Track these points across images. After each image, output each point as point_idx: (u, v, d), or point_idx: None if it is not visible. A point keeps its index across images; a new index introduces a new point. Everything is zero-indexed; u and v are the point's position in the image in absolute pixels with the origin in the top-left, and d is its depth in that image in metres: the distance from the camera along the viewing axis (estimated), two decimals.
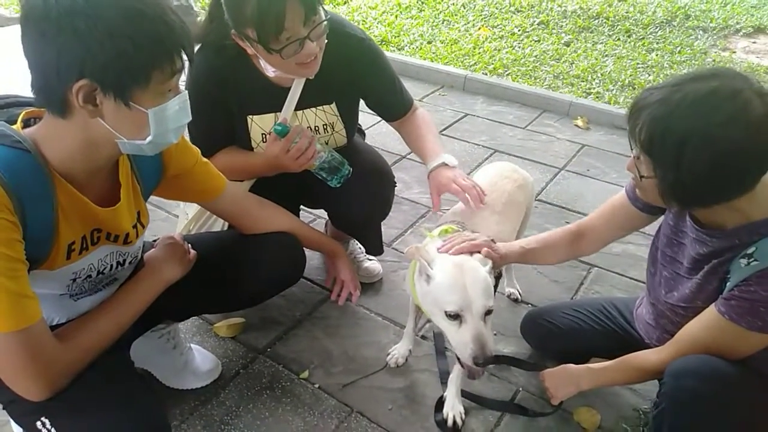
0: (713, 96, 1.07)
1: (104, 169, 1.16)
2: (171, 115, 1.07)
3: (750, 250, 1.16)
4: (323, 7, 1.49)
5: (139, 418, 1.10)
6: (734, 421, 1.19)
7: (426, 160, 1.75)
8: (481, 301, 1.27)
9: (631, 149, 1.21)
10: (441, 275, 1.31)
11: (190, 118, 1.14)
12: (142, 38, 0.96)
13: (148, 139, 1.06)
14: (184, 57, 1.06)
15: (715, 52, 4.39)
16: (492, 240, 1.47)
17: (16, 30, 3.40)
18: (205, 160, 1.46)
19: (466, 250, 1.39)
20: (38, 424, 1.09)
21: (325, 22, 1.48)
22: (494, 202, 1.67)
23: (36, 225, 1.03)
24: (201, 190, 1.46)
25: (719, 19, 4.86)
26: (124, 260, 1.29)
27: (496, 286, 1.59)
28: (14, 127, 1.06)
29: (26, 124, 1.09)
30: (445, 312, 1.28)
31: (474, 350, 1.25)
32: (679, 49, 4.36)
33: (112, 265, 1.26)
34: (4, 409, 1.25)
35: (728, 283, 1.20)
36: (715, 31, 4.71)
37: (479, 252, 1.40)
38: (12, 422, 1.45)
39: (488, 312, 1.29)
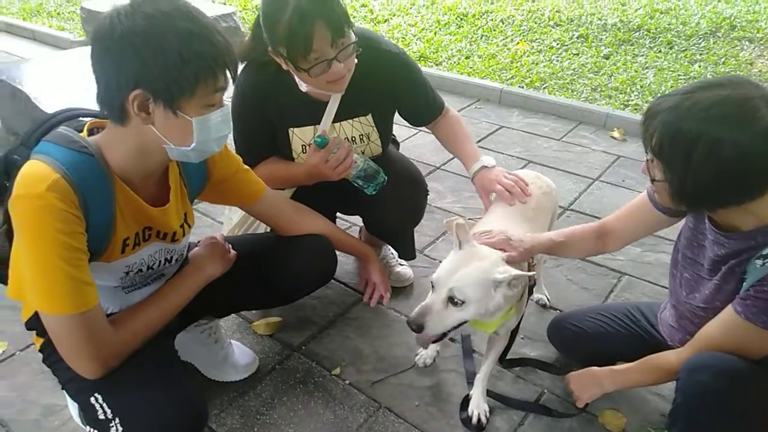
0: (723, 104, 1.11)
1: (156, 173, 1.30)
2: (213, 126, 1.19)
3: (766, 251, 1.18)
4: (353, 30, 1.60)
5: (183, 399, 1.21)
6: (746, 416, 1.21)
7: (466, 165, 1.88)
8: (449, 285, 1.34)
9: (646, 153, 1.25)
10: (454, 253, 1.42)
11: (231, 130, 1.26)
12: (190, 54, 1.09)
13: (192, 145, 1.19)
14: (228, 76, 1.18)
15: (762, 63, 4.30)
16: (509, 238, 1.52)
17: (78, 52, 3.68)
18: (245, 167, 1.58)
19: (487, 244, 1.48)
20: (92, 399, 1.21)
21: (353, 45, 1.58)
22: (524, 209, 1.72)
23: (97, 220, 1.16)
24: (242, 194, 1.58)
25: (767, 30, 4.75)
26: (172, 257, 1.42)
27: (530, 293, 1.65)
28: (81, 134, 1.20)
29: (90, 132, 1.24)
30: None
31: (412, 315, 1.36)
32: (723, 60, 4.29)
33: (160, 261, 1.38)
34: (63, 388, 1.38)
35: (744, 284, 1.22)
36: (762, 42, 4.60)
37: (503, 250, 1.46)
38: (69, 404, 1.59)
39: (452, 299, 1.34)
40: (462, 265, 1.37)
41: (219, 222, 2.49)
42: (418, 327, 1.36)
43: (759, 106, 1.08)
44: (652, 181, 1.25)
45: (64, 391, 1.39)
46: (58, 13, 5.95)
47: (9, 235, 1.23)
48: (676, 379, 1.28)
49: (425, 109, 1.95)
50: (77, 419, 1.55)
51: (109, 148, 1.19)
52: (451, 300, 1.35)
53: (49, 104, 2.94)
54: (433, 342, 1.45)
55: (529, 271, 1.58)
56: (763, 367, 1.22)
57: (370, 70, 1.71)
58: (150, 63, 1.07)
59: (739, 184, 1.14)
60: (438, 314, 1.35)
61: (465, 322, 1.40)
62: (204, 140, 1.19)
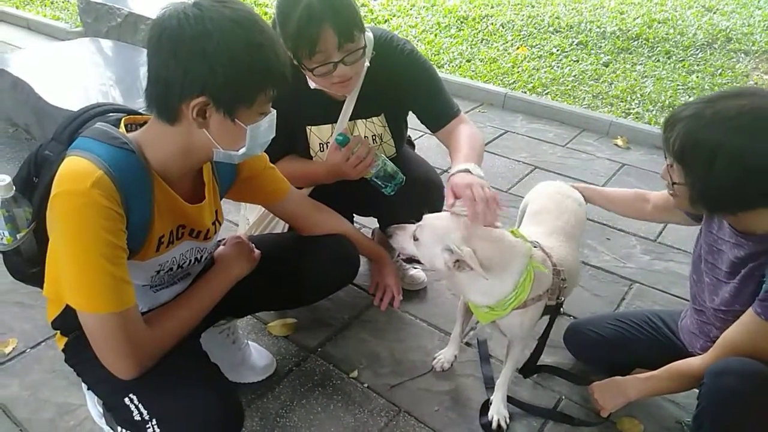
0: (744, 114, 1.16)
1: (194, 171, 1.29)
2: (261, 132, 1.20)
3: None
4: (364, 34, 1.58)
5: (220, 398, 1.19)
6: None
7: (453, 165, 1.66)
8: (420, 224, 1.52)
9: (665, 158, 1.30)
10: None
11: (275, 134, 1.26)
12: (257, 65, 1.09)
13: (241, 151, 1.19)
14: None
15: (758, 75, 4.38)
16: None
17: (77, 43, 3.59)
18: (271, 165, 1.57)
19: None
20: (126, 400, 1.18)
21: (362, 49, 1.57)
22: (565, 224, 1.72)
23: (137, 217, 1.15)
24: (268, 191, 1.57)
25: (762, 42, 4.84)
26: (201, 256, 1.40)
27: (557, 311, 1.63)
28: (119, 130, 1.18)
29: (127, 128, 1.22)
30: None
31: (393, 225, 1.60)
32: (720, 71, 4.36)
33: (191, 260, 1.36)
34: (89, 389, 1.36)
35: (764, 285, 1.26)
36: (757, 54, 4.69)
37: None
38: (89, 404, 1.57)
39: (414, 235, 1.52)
40: (444, 218, 1.48)
41: (231, 221, 2.46)
42: (389, 235, 1.59)
43: None
44: (672, 184, 1.29)
45: (89, 391, 1.37)
46: (52, 2, 5.84)
47: (37, 233, 1.21)
48: (701, 384, 1.31)
49: (439, 109, 1.85)
50: (98, 419, 1.53)
51: (150, 145, 1.17)
52: (414, 235, 1.51)
53: (52, 96, 2.88)
54: (406, 261, 1.63)
55: (558, 299, 1.57)
56: None
57: (382, 69, 1.71)
58: (218, 72, 1.06)
59: (757, 192, 1.19)
60: (403, 236, 1.56)
61: (417, 260, 1.55)
62: (252, 146, 1.20)
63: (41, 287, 1.29)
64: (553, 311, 1.61)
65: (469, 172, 1.56)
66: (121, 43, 3.75)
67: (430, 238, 1.46)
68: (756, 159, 1.15)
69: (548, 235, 1.65)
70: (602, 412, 1.54)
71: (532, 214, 1.78)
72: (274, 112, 1.22)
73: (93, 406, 1.53)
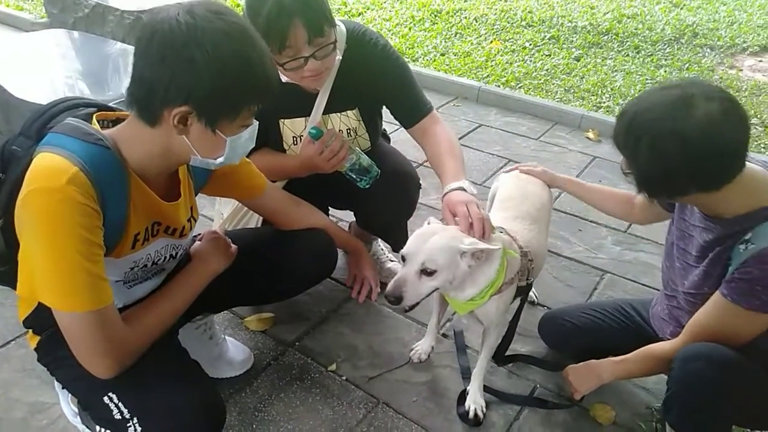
0: (666, 101, 1.21)
1: (170, 170, 1.27)
2: (241, 143, 1.20)
3: (748, 236, 1.28)
4: (335, 29, 1.58)
5: (203, 395, 1.19)
6: (737, 402, 1.29)
7: (444, 181, 1.69)
8: (421, 256, 1.40)
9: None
10: (418, 229, 1.49)
11: (254, 145, 1.26)
12: (245, 80, 1.09)
13: (219, 160, 1.19)
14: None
15: (722, 70, 4.49)
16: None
17: (42, 35, 3.46)
18: (247, 160, 1.56)
19: (529, 172, 1.84)
20: (105, 399, 1.17)
21: (333, 44, 1.58)
22: (530, 208, 1.75)
23: (113, 215, 1.13)
24: (246, 186, 1.56)
25: (726, 38, 4.96)
26: (176, 253, 1.39)
27: (525, 298, 1.69)
28: (93, 126, 1.16)
29: (100, 124, 1.20)
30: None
31: (389, 288, 1.42)
32: (687, 66, 4.46)
33: (165, 257, 1.35)
34: (64, 388, 1.33)
35: (730, 268, 1.31)
36: (722, 50, 4.81)
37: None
38: (62, 403, 1.54)
39: (425, 270, 1.40)
40: (429, 237, 1.43)
41: (205, 216, 2.43)
42: (396, 299, 1.42)
43: (696, 103, 1.18)
44: (625, 174, 1.35)
45: (63, 390, 1.35)
46: None
47: (5, 231, 1.18)
48: (670, 369, 1.35)
49: (412, 106, 1.85)
50: (72, 418, 1.51)
51: (127, 143, 1.15)
52: (424, 270, 1.41)
53: (18, 89, 2.80)
54: (408, 310, 1.49)
55: (528, 279, 1.63)
56: (750, 355, 1.30)
57: (356, 62, 1.71)
58: (206, 82, 1.05)
59: (684, 175, 1.22)
60: (413, 285, 1.42)
61: (436, 289, 1.46)
62: (232, 155, 1.19)
63: (10, 286, 1.26)
64: (524, 292, 1.65)
65: (463, 190, 1.60)
66: (89, 35, 3.65)
67: (447, 258, 1.41)
68: (673, 145, 1.19)
69: (514, 219, 1.70)
70: (575, 395, 1.57)
71: (500, 201, 1.82)
72: (256, 123, 1.21)
73: (66, 404, 1.51)
